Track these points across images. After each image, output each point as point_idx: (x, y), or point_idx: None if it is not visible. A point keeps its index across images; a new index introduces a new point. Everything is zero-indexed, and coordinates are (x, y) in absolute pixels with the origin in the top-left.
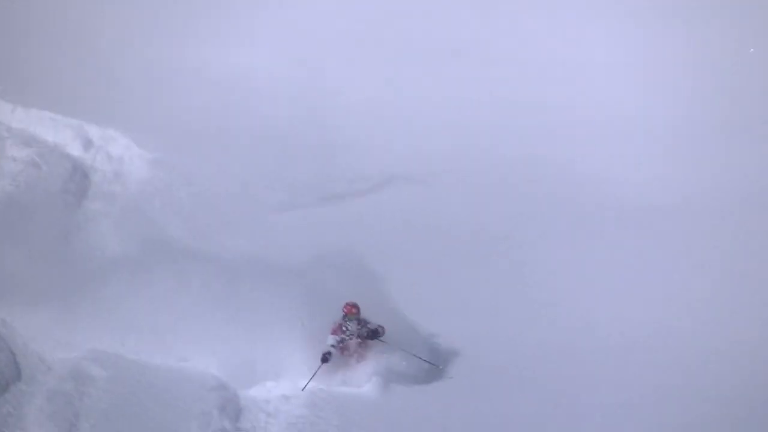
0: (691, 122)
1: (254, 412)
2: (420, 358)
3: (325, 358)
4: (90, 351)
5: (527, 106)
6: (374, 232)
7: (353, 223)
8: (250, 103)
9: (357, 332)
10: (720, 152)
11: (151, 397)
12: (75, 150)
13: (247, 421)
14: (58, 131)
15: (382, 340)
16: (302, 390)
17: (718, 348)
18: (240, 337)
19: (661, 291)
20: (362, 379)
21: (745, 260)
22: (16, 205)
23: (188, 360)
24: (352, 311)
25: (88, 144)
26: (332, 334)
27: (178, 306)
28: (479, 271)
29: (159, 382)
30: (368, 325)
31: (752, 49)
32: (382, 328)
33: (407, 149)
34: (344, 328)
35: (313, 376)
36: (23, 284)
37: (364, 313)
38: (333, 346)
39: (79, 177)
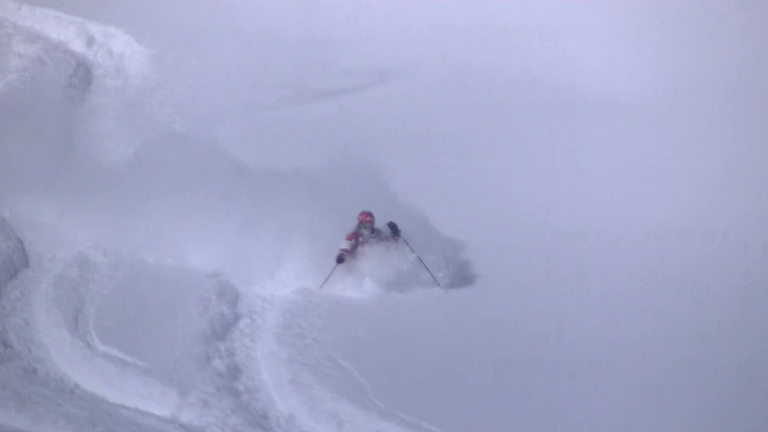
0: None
1: (251, 297)
2: (427, 268)
3: (341, 258)
4: (94, 240)
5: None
6: (369, 127)
7: (347, 119)
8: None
9: (371, 239)
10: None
11: (152, 284)
12: (78, 46)
13: (244, 306)
14: (61, 29)
15: (401, 237)
16: (320, 288)
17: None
18: (241, 236)
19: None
20: (364, 283)
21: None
22: (22, 99)
23: (188, 257)
24: (367, 219)
25: (90, 41)
26: (347, 239)
27: (180, 202)
28: (473, 165)
29: (160, 270)
30: (381, 234)
31: None
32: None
33: (393, 45)
34: (360, 237)
35: (329, 275)
36: (30, 176)
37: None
38: (347, 249)
39: (82, 72)
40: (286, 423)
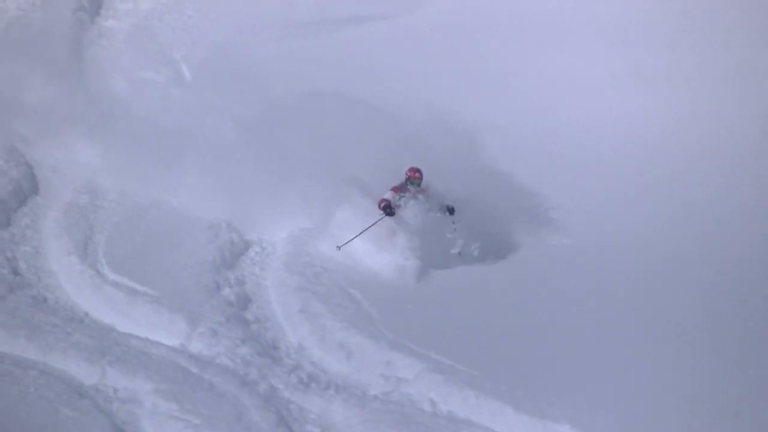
0: None
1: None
2: (453, 223)
3: (391, 211)
4: (104, 166)
5: None
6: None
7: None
8: None
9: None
10: None
11: (162, 212)
12: None
13: (254, 234)
14: None
15: (452, 218)
16: (369, 228)
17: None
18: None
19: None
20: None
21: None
22: (32, 23)
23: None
24: (415, 175)
25: None
26: (392, 191)
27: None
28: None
29: (170, 199)
30: (428, 192)
31: None
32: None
33: None
34: (405, 193)
35: (374, 224)
36: (39, 103)
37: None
38: (388, 201)
39: None
40: (296, 353)
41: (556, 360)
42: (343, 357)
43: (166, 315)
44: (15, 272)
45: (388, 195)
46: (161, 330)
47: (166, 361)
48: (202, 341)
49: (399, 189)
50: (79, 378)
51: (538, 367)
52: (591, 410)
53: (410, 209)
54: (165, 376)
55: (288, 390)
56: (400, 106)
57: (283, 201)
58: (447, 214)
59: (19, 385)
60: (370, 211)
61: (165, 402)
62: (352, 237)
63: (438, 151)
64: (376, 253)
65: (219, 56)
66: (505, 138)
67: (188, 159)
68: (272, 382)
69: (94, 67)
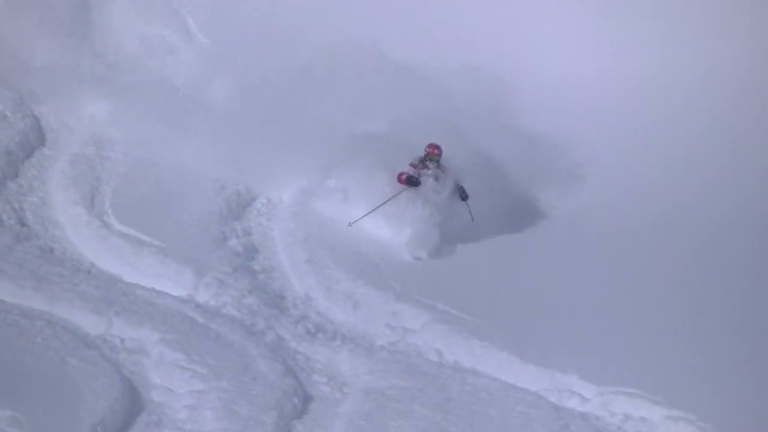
0: None
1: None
2: (470, 211)
3: (416, 181)
4: (111, 119)
5: None
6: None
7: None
8: None
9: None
10: None
11: (168, 163)
12: None
13: (262, 187)
14: None
15: (465, 201)
16: (390, 199)
17: None
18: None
19: None
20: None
21: None
22: None
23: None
24: (434, 152)
25: None
26: (410, 166)
27: (197, 95)
28: None
29: (177, 150)
30: (446, 171)
31: None
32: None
33: None
34: (420, 170)
35: (395, 195)
36: (46, 57)
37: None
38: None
39: None
40: (303, 303)
41: (563, 311)
42: (350, 307)
43: (173, 265)
44: (22, 223)
45: (408, 170)
46: (168, 280)
47: (173, 312)
48: (209, 291)
49: (417, 165)
50: (85, 328)
51: (545, 318)
52: (598, 360)
53: (430, 185)
54: (171, 327)
55: (295, 340)
56: (427, 63)
57: (293, 160)
58: (460, 198)
59: (25, 336)
60: (364, 180)
61: (171, 352)
62: (364, 213)
63: (463, 110)
64: (392, 226)
65: (230, 9)
66: (530, 92)
67: (196, 115)
68: (279, 332)
69: (101, 22)
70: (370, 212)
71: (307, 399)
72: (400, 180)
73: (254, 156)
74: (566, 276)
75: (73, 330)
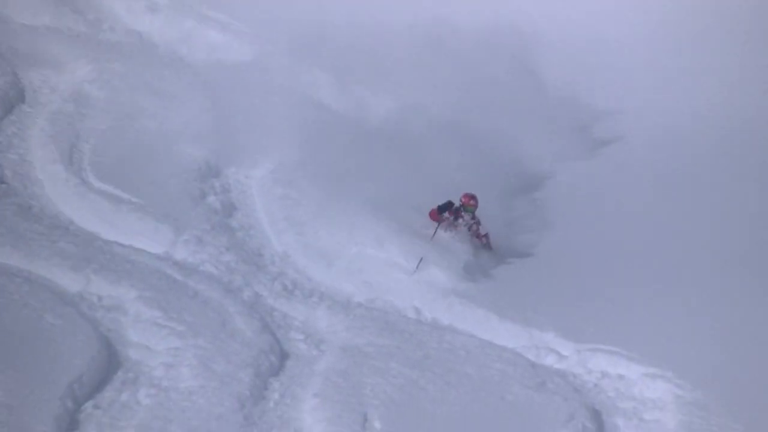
0: None
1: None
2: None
3: (449, 204)
4: (92, 76)
5: None
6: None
7: None
8: None
9: (469, 225)
10: None
11: (149, 120)
12: None
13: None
14: None
15: (489, 247)
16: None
17: None
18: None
19: None
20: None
21: None
22: None
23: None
24: (470, 203)
25: None
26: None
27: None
28: None
29: (156, 107)
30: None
31: None
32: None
33: None
34: (459, 219)
35: (435, 231)
36: (24, 11)
37: None
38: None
39: None
40: (280, 260)
41: (542, 269)
42: (328, 264)
43: (151, 223)
44: (1, 180)
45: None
46: (146, 238)
47: (151, 269)
48: (187, 249)
49: (452, 214)
50: (63, 286)
51: (523, 277)
52: (576, 318)
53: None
54: (149, 284)
55: (272, 297)
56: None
57: (273, 132)
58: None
59: (3, 293)
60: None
61: (149, 309)
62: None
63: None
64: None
65: None
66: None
67: (176, 73)
68: (256, 289)
69: None
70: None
71: (284, 356)
72: (432, 216)
73: (233, 117)
74: (546, 235)
75: (51, 287)
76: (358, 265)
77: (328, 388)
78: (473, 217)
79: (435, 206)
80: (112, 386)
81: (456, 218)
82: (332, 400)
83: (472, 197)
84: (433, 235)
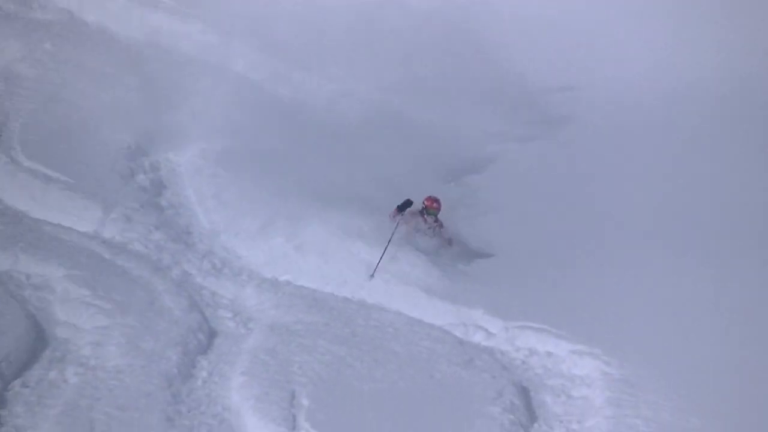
0: None
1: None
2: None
3: (408, 202)
4: (20, 54)
5: None
6: None
7: None
8: None
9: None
10: None
11: (78, 98)
12: None
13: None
14: None
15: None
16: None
17: None
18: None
19: None
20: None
21: None
22: None
23: None
24: (433, 206)
25: None
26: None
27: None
28: None
29: (85, 84)
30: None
31: None
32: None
33: None
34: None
35: (396, 228)
36: None
37: None
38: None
39: None
40: (209, 239)
41: (470, 251)
42: (257, 242)
43: (80, 201)
44: None
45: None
46: (75, 216)
47: (79, 248)
48: (116, 227)
49: (415, 216)
50: None
51: (452, 256)
52: (504, 295)
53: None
54: (77, 262)
55: (201, 275)
56: None
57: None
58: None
59: None
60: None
61: (77, 288)
62: (378, 258)
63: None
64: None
65: None
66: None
67: (106, 51)
68: (185, 268)
69: None
70: (382, 256)
71: (212, 334)
72: (393, 214)
73: (164, 97)
74: (478, 218)
75: None
76: (285, 245)
77: (256, 366)
78: (436, 220)
79: (394, 208)
80: (39, 365)
81: (417, 221)
82: (260, 378)
83: (435, 200)
84: (392, 234)
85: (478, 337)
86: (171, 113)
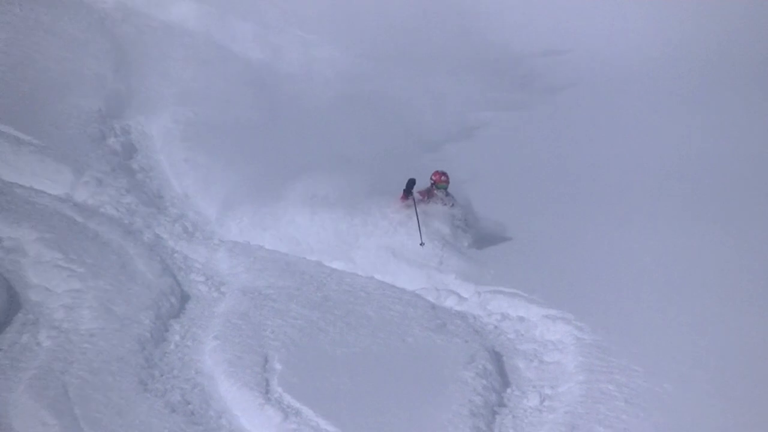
0: None
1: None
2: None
3: (411, 182)
4: None
5: None
6: None
7: None
8: None
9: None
10: None
11: (49, 62)
12: None
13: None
14: None
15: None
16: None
17: None
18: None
19: None
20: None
21: None
22: None
23: None
24: (441, 179)
25: None
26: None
27: None
28: None
29: (56, 50)
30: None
31: None
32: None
33: None
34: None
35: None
36: None
37: None
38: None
39: None
40: (181, 202)
41: None
42: (226, 207)
43: (52, 164)
44: None
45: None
46: (46, 179)
47: (51, 211)
48: (87, 190)
49: (425, 194)
50: None
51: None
52: (476, 260)
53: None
54: (49, 225)
55: (173, 239)
56: None
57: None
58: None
59: None
60: None
61: (49, 251)
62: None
63: None
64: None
65: None
66: None
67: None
68: (157, 231)
69: None
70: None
71: (184, 298)
72: (402, 200)
73: (135, 61)
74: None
75: None
76: (255, 211)
77: (229, 330)
78: (447, 194)
79: (401, 192)
80: (12, 328)
81: (429, 197)
82: (233, 342)
83: (443, 174)
84: (417, 217)
85: (450, 302)
86: (141, 77)
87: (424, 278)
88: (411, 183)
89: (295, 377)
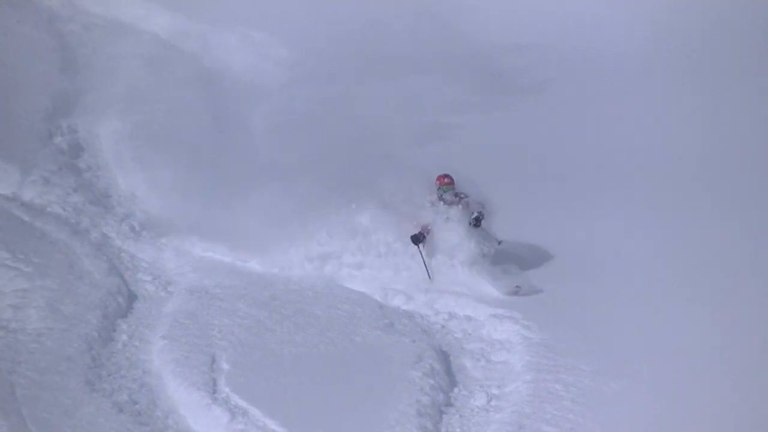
0: None
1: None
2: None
3: (418, 238)
4: None
5: None
6: None
7: None
8: None
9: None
10: None
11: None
12: None
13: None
14: None
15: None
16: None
17: None
18: None
19: None
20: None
21: None
22: None
23: None
24: (445, 181)
25: None
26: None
27: None
28: None
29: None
30: (465, 199)
31: None
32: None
33: None
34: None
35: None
36: None
37: None
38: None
39: None
40: (128, 201)
41: None
42: (174, 206)
43: None
44: None
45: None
46: None
47: None
48: (34, 189)
49: (428, 229)
50: None
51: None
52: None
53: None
54: None
55: (120, 238)
56: None
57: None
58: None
59: None
60: None
61: None
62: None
63: None
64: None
65: None
66: None
67: (24, 15)
68: (104, 231)
69: None
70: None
71: (132, 298)
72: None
73: (82, 57)
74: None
75: None
76: (202, 211)
77: (176, 330)
78: (456, 194)
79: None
80: None
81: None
82: (180, 342)
83: (446, 175)
84: (424, 263)
85: (397, 301)
86: (89, 76)
87: (372, 278)
88: (416, 239)
89: (243, 377)
